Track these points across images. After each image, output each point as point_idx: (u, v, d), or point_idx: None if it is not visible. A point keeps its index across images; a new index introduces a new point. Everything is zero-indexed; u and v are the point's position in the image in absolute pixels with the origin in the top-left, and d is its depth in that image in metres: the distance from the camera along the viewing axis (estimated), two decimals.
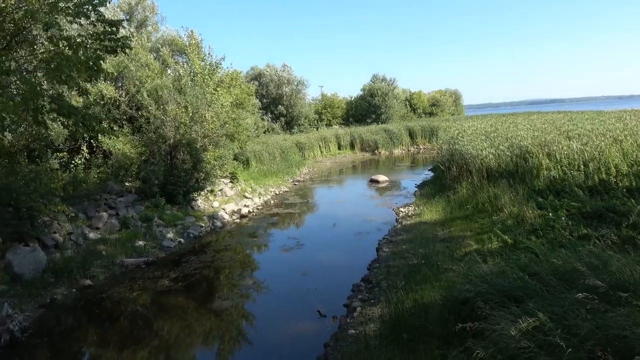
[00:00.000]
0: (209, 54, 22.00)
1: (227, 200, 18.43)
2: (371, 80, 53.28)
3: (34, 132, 13.68)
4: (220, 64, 22.38)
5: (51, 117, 10.81)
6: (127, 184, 16.33)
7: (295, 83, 43.31)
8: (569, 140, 14.05)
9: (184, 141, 16.52)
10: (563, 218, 8.94)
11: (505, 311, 4.79)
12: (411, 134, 43.61)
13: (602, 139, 13.25)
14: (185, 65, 21.32)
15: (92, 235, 12.46)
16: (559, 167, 11.93)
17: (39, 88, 9.57)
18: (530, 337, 4.21)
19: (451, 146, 18.62)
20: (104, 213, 13.60)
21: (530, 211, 9.97)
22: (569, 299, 4.63)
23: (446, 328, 5.68)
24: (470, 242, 9.83)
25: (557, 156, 12.66)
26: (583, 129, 16.14)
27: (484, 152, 15.27)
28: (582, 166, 11.40)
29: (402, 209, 16.29)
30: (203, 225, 15.13)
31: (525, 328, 4.29)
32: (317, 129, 45.66)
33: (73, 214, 12.58)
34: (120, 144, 16.83)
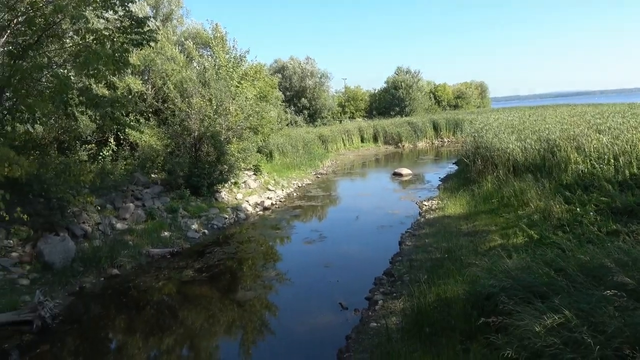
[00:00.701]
0: (233, 47, 22.14)
1: (250, 192, 18.59)
2: (395, 73, 52.78)
3: (63, 124, 14.03)
4: (245, 57, 22.50)
5: (80, 110, 11.08)
6: (153, 175, 16.62)
7: (319, 76, 43.24)
8: (599, 133, 13.68)
9: (208, 134, 16.71)
10: (591, 213, 8.73)
11: (529, 307, 4.72)
12: (435, 127, 43.13)
13: (634, 132, 12.85)
14: (209, 59, 21.51)
15: (119, 225, 12.75)
16: (587, 161, 11.63)
17: (68, 81, 9.80)
18: (556, 333, 4.14)
19: (476, 139, 18.36)
20: (131, 204, 13.88)
21: (557, 206, 9.76)
22: (596, 296, 4.54)
23: (469, 323, 5.63)
24: (495, 237, 9.70)
25: (586, 150, 12.35)
26: (614, 121, 15.68)
27: (511, 145, 15.01)
28: (612, 160, 11.09)
29: (425, 203, 16.16)
30: (227, 216, 15.31)
31: (551, 324, 4.22)
32: (340, 121, 45.54)
33: (99, 207, 12.88)
34: (146, 136, 17.12)
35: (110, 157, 16.25)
